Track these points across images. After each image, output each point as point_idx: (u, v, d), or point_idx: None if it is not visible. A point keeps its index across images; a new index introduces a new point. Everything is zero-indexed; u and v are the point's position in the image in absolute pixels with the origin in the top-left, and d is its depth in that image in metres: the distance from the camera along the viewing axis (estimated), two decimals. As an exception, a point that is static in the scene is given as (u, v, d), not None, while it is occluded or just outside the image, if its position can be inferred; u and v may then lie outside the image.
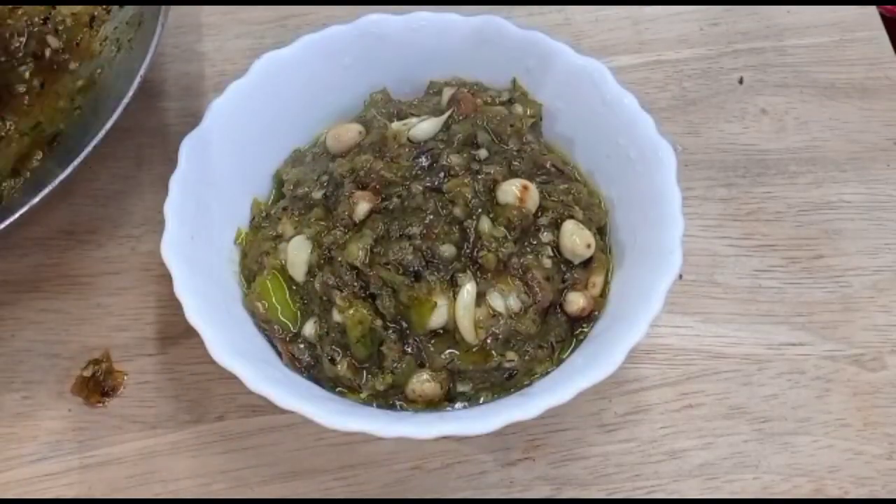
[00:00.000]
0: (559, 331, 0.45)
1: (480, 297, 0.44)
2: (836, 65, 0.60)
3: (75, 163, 0.44)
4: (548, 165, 0.48)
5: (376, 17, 0.51)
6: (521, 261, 0.45)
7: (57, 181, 0.43)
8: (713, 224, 0.54)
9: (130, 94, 0.45)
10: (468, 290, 0.44)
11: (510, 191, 0.45)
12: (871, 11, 0.62)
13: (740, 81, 0.59)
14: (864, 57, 0.60)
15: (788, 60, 0.60)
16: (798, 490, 0.46)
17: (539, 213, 0.46)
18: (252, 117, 0.50)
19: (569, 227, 0.46)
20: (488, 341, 0.44)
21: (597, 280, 0.46)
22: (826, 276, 0.52)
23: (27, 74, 0.54)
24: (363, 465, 0.46)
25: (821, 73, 0.59)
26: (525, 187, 0.46)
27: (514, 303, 0.44)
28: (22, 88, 0.53)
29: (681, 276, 0.51)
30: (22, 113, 0.52)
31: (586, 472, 0.46)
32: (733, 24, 0.61)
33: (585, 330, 0.46)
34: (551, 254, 0.46)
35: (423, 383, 0.44)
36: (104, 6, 0.55)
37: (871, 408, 0.48)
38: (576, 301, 0.45)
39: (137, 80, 0.45)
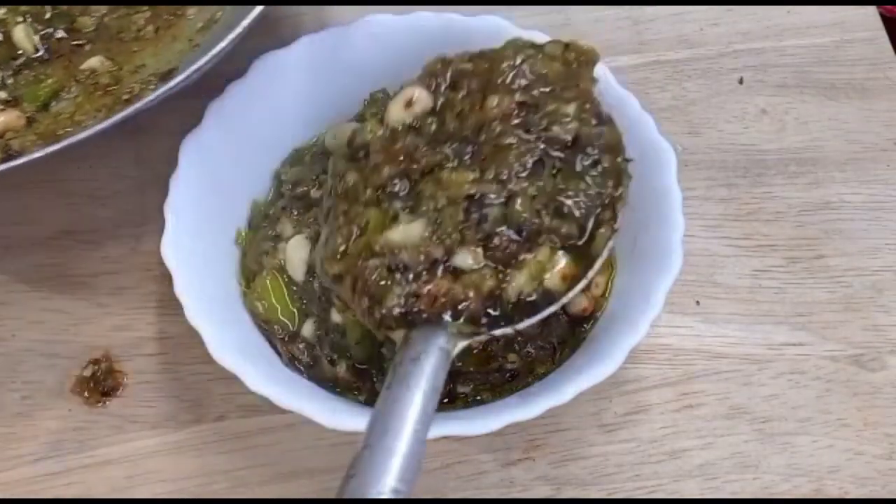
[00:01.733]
0: (560, 331, 0.45)
1: None
2: (836, 65, 0.60)
3: (200, 62, 0.43)
4: None
5: (376, 17, 0.51)
6: None
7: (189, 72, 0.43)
8: (713, 224, 0.54)
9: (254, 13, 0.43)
10: None
11: None
12: (871, 11, 0.62)
13: (740, 81, 0.59)
14: (864, 57, 0.60)
15: (788, 60, 0.60)
16: (798, 490, 0.46)
17: None
18: (252, 117, 0.50)
19: None
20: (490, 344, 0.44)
21: (600, 280, 0.46)
22: (826, 276, 0.52)
23: (141, 21, 0.53)
24: (363, 465, 0.46)
25: (821, 73, 0.59)
26: None
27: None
28: (131, 35, 0.53)
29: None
30: (127, 54, 0.52)
31: (586, 472, 0.46)
32: (733, 24, 0.61)
33: (586, 330, 0.46)
34: None
35: None
36: None
37: (871, 408, 0.48)
38: (577, 301, 0.45)
39: (247, 20, 0.44)
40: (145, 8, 0.54)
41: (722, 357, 0.49)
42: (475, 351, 0.44)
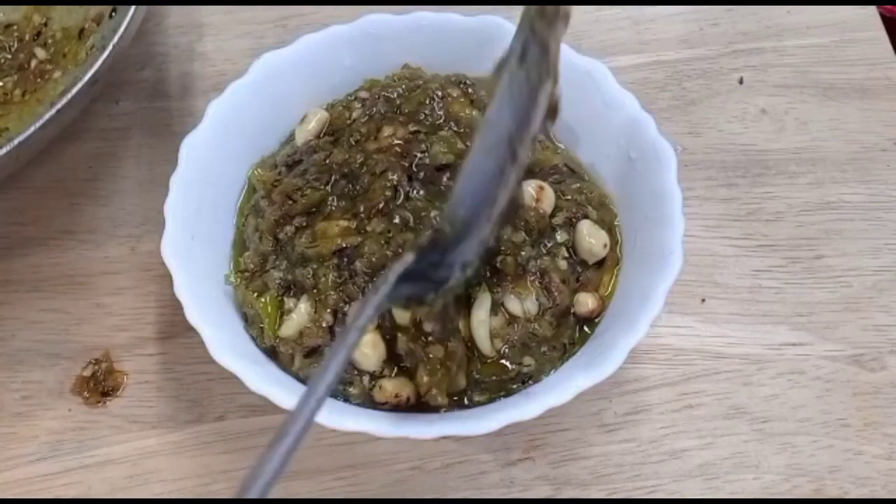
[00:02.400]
0: (570, 332, 0.45)
1: (496, 306, 0.43)
2: (836, 65, 0.60)
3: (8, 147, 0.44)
4: (560, 165, 0.48)
5: (376, 17, 0.51)
6: (539, 263, 0.44)
7: None
8: (713, 224, 0.54)
9: (74, 91, 0.45)
10: (484, 306, 0.43)
11: (526, 191, 0.45)
12: (871, 11, 0.62)
13: (740, 81, 0.59)
14: (864, 57, 0.60)
15: (788, 60, 0.60)
16: (798, 490, 0.46)
17: (553, 214, 0.46)
18: (252, 117, 0.50)
19: (585, 227, 0.46)
20: (504, 350, 0.43)
21: (606, 279, 0.46)
22: (826, 276, 0.52)
23: (10, 84, 0.54)
24: (363, 465, 0.46)
25: (821, 73, 0.59)
26: (541, 187, 0.45)
27: (532, 306, 0.44)
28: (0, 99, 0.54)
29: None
30: None
31: (586, 472, 0.46)
32: (733, 24, 0.61)
33: (590, 329, 0.46)
34: (566, 255, 0.45)
35: (435, 398, 0.43)
36: (94, 20, 0.55)
37: (871, 408, 0.48)
38: (585, 302, 0.45)
39: (86, 78, 0.46)
40: (14, 72, 0.55)
41: (722, 357, 0.49)
42: (489, 360, 0.44)
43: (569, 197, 0.47)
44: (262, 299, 0.45)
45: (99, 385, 0.48)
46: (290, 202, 0.46)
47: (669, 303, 0.43)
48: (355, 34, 0.51)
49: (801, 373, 0.49)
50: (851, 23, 0.61)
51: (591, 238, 0.45)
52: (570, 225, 0.46)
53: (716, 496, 0.46)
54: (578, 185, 0.48)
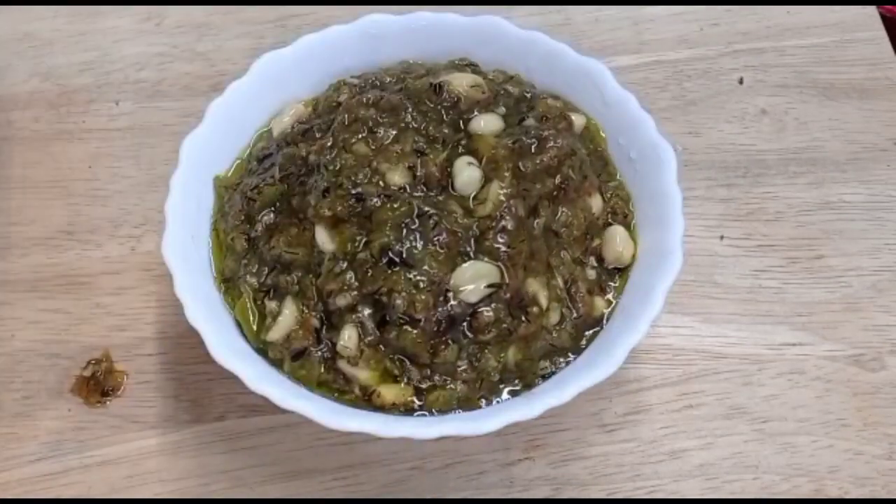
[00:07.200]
0: (585, 338, 0.45)
1: None
2: (836, 65, 0.60)
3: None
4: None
5: (376, 17, 0.51)
6: (569, 271, 0.44)
7: None
8: (713, 224, 0.54)
9: None
10: None
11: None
12: (871, 11, 0.62)
13: (740, 81, 0.59)
14: (864, 57, 0.60)
15: (788, 60, 0.60)
16: (798, 490, 0.46)
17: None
18: (252, 117, 0.50)
19: (619, 233, 0.45)
20: (523, 364, 0.43)
21: (621, 284, 0.46)
22: (826, 276, 0.52)
23: None
24: (363, 465, 0.46)
25: (821, 74, 0.59)
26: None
27: (554, 316, 0.43)
28: None
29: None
30: None
31: (586, 472, 0.46)
32: (733, 24, 0.61)
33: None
34: (595, 263, 0.45)
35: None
36: None
37: (871, 408, 0.48)
38: (601, 309, 0.45)
39: None
40: None
41: (722, 357, 0.49)
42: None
43: (608, 194, 0.46)
44: (241, 303, 0.44)
45: (99, 385, 0.48)
46: (251, 202, 0.46)
47: (669, 303, 0.43)
48: (355, 34, 0.51)
49: (801, 373, 0.49)
50: (851, 23, 0.61)
51: (622, 246, 0.45)
52: (603, 228, 0.46)
53: (716, 496, 0.46)
54: (615, 183, 0.47)
